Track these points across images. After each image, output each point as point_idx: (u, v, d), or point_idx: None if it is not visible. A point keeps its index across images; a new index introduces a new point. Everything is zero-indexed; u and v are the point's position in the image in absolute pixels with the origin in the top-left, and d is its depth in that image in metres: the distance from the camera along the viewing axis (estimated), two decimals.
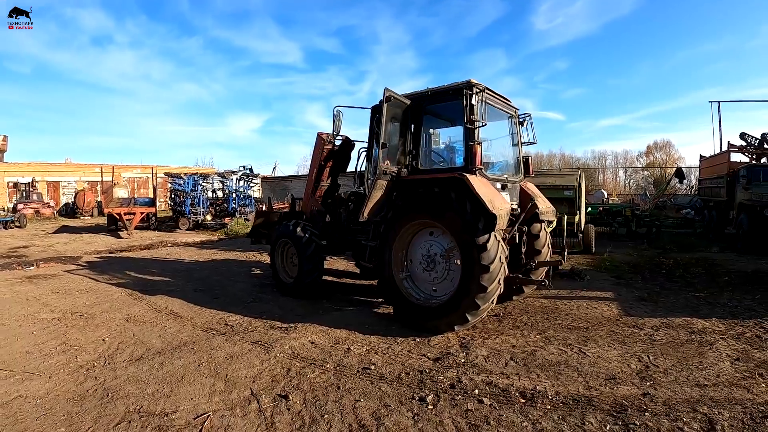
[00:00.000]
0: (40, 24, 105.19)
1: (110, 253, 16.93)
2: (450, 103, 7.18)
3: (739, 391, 4.60)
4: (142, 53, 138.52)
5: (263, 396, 4.67)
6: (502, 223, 6.22)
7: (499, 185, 7.27)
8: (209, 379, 5.13)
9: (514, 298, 8.18)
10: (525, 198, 7.95)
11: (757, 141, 20.14)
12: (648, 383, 4.82)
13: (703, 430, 3.85)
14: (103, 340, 6.57)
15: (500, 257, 6.24)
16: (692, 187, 34.53)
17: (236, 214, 27.40)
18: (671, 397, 4.48)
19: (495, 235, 6.20)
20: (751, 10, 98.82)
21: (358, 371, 5.31)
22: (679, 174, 22.84)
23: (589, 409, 4.25)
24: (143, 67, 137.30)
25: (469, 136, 6.73)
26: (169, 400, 4.62)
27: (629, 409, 4.22)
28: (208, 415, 4.25)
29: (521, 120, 8.28)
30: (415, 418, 4.19)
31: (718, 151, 23.03)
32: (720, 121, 29.30)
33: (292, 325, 7.08)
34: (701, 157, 23.47)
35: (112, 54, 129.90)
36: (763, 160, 19.60)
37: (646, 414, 4.13)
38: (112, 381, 5.11)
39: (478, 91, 6.81)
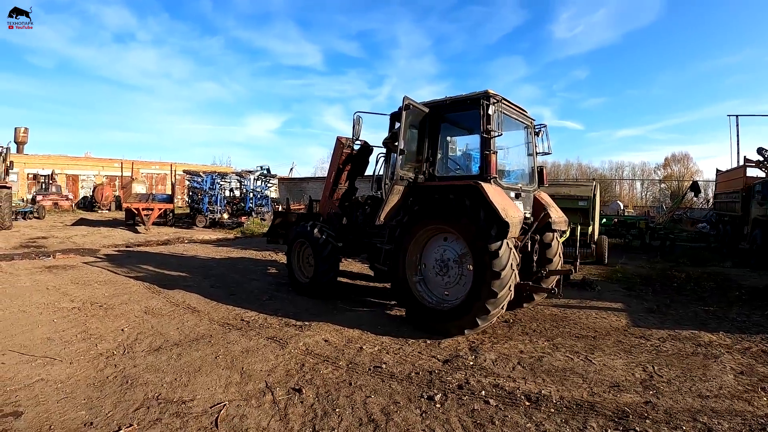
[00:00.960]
0: (63, 19, 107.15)
1: (127, 247, 17.22)
2: (467, 112, 7.32)
3: (741, 403, 4.66)
4: (164, 51, 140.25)
5: (277, 389, 4.84)
6: (514, 231, 6.33)
7: (513, 194, 7.37)
8: (225, 371, 5.31)
9: (525, 305, 8.26)
10: (538, 207, 8.05)
11: None
12: (651, 392, 4.90)
13: None
14: (122, 330, 6.77)
15: (512, 264, 6.35)
16: (708, 201, 34.34)
17: (253, 213, 27.67)
18: (673, 406, 4.56)
19: (507, 243, 6.31)
20: None
21: (369, 369, 5.46)
22: (695, 188, 22.80)
23: (591, 414, 4.36)
24: (164, 65, 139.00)
25: (485, 145, 6.87)
26: (187, 389, 4.80)
27: (630, 416, 4.31)
28: (224, 405, 4.42)
29: (537, 130, 8.38)
30: (423, 415, 4.33)
31: (735, 165, 22.94)
32: (738, 135, 29.00)
33: (306, 323, 7.24)
34: (717, 171, 23.35)
35: (134, 51, 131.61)
36: None
37: (647, 421, 4.22)
38: (131, 369, 5.29)
39: (495, 101, 6.95)
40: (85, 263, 12.75)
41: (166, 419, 4.13)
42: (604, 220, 19.47)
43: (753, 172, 19.13)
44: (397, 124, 7.43)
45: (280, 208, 17.15)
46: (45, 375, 5.06)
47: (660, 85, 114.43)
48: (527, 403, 4.60)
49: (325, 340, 6.49)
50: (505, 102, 7.30)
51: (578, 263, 8.33)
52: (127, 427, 3.94)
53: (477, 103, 6.95)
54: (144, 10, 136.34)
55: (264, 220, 26.55)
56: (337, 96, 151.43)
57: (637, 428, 4.08)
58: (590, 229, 13.66)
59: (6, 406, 4.30)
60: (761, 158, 19.94)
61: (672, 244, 18.42)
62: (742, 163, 20.79)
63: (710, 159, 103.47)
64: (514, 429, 4.08)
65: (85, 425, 4.00)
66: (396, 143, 7.27)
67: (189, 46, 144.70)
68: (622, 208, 33.66)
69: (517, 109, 7.83)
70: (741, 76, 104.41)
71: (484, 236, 6.28)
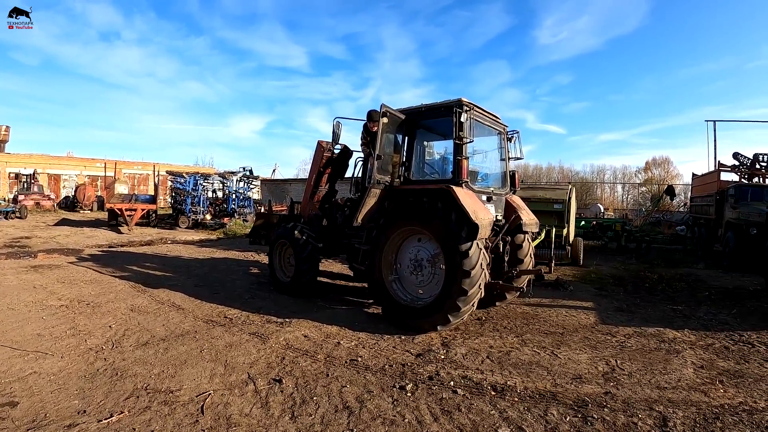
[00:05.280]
0: (49, 17, 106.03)
1: (111, 247, 17.27)
2: (441, 119, 7.62)
3: (697, 394, 4.91)
4: (149, 50, 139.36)
5: (259, 379, 5.10)
6: (484, 232, 6.61)
7: (484, 197, 7.63)
8: (210, 363, 5.55)
9: (497, 304, 8.52)
10: (510, 210, 8.31)
11: (749, 161, 20.53)
12: (611, 384, 5.17)
13: (656, 426, 4.18)
14: (110, 326, 6.96)
15: (481, 264, 6.63)
16: (686, 204, 34.96)
17: (235, 214, 27.75)
18: (631, 396, 4.83)
19: (477, 243, 6.59)
20: (752, 31, 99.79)
21: (346, 362, 5.72)
22: (670, 191, 23.23)
23: (553, 403, 4.65)
24: (149, 64, 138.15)
25: (457, 151, 7.12)
26: (174, 379, 5.04)
27: (590, 405, 4.59)
28: (209, 394, 4.67)
29: (509, 136, 8.66)
30: (395, 403, 4.61)
31: (712, 169, 23.50)
32: (715, 140, 29.64)
33: (287, 320, 7.46)
34: (694, 175, 23.83)
35: (119, 50, 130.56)
36: (755, 180, 19.97)
37: (605, 409, 4.49)
38: (121, 362, 5.51)
39: (468, 109, 7.19)
40: (70, 263, 12.85)
41: (155, 407, 4.37)
42: (583, 222, 19.79)
43: (727, 176, 19.63)
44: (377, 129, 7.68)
45: (262, 210, 17.31)
46: (38, 368, 5.23)
47: (642, 90, 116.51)
48: (493, 393, 4.89)
49: (305, 336, 6.73)
50: (477, 109, 7.55)
51: (553, 264, 8.61)
52: (119, 414, 4.18)
53: (450, 110, 7.17)
54: (131, 9, 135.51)
55: (246, 221, 26.65)
56: (321, 98, 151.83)
57: (594, 416, 4.34)
58: (565, 231, 13.90)
59: (2, 396, 4.49)
60: (737, 163, 20.49)
61: (648, 247, 18.69)
62: (717, 167, 21.32)
63: (690, 163, 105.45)
64: (479, 415, 4.36)
65: (78, 413, 4.21)
66: (373, 148, 7.54)
67: (174, 45, 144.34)
68: (602, 210, 34.11)
69: (490, 116, 8.09)
70: (722, 82, 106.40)
71: (455, 237, 6.55)
